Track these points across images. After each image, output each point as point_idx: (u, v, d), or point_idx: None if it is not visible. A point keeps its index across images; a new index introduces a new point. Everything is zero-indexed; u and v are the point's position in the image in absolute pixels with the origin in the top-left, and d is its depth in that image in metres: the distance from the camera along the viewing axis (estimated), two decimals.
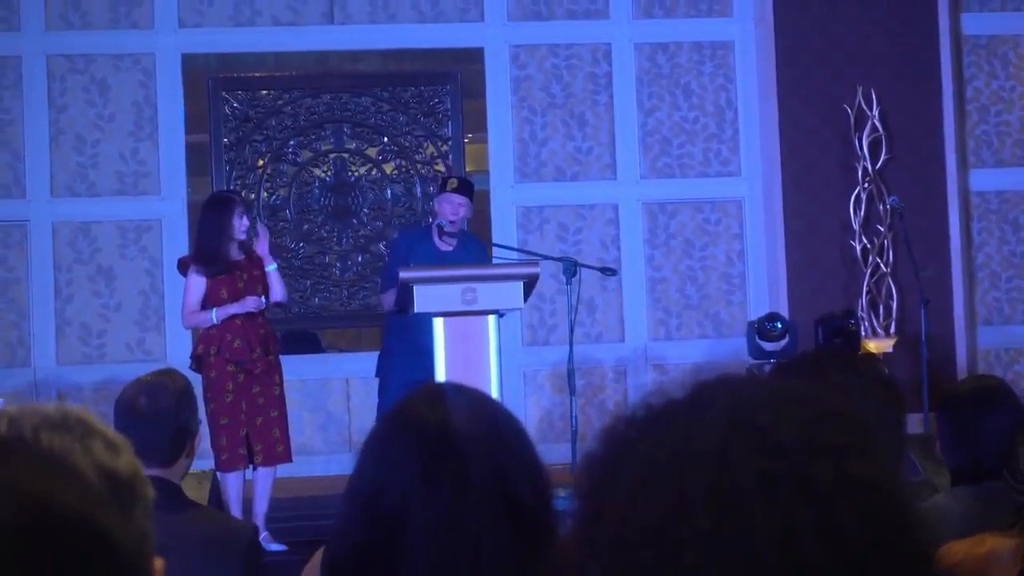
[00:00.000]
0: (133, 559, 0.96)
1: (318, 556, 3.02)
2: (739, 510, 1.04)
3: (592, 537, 1.11)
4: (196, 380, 8.52)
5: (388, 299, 8.74)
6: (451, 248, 8.76)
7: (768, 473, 1.05)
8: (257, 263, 8.43)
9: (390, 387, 8.66)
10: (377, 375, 8.93)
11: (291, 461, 8.47)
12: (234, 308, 8.29)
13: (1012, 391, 4.22)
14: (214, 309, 8.28)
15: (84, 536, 0.93)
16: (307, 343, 11.55)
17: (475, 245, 9.08)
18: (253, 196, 10.95)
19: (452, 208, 8.76)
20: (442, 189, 9.03)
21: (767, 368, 9.72)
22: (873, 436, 1.13)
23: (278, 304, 8.60)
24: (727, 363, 10.82)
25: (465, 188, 8.98)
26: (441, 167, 11.10)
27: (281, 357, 8.56)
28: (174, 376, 4.30)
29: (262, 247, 8.42)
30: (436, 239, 8.79)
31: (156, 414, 4.12)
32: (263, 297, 8.35)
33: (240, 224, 8.34)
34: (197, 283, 8.34)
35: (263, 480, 8.30)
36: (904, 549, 1.07)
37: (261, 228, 8.54)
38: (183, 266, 8.51)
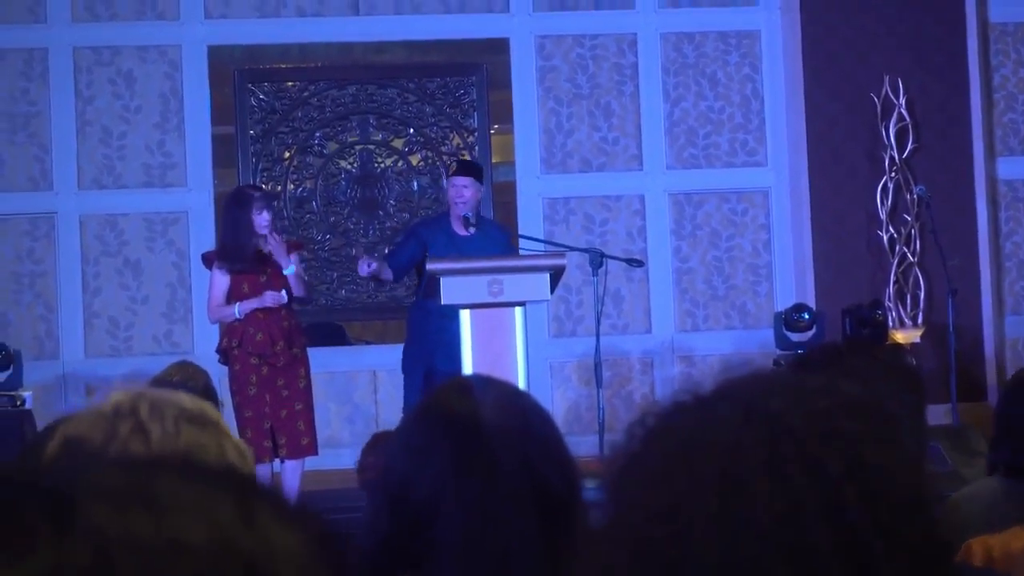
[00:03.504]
0: None
1: None
2: (746, 491, 1.10)
3: (613, 523, 1.16)
4: (224, 371, 8.56)
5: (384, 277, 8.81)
6: (470, 233, 8.74)
7: (776, 457, 1.11)
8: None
9: (414, 379, 8.68)
10: (403, 371, 8.91)
11: (316, 454, 8.51)
12: (253, 303, 8.33)
13: None
14: (236, 304, 8.33)
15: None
16: (333, 335, 11.56)
17: (498, 233, 9.06)
18: (279, 188, 10.97)
19: (455, 191, 8.73)
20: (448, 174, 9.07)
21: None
22: (891, 426, 1.18)
23: (301, 301, 8.60)
24: (755, 355, 10.82)
25: (466, 169, 8.95)
26: (467, 158, 11.10)
27: (308, 350, 8.59)
28: (193, 373, 4.28)
29: (277, 254, 8.39)
30: (454, 224, 8.78)
31: None
32: (283, 291, 8.37)
33: (260, 220, 8.37)
34: (221, 279, 8.41)
35: (291, 473, 8.34)
36: (912, 536, 1.11)
37: (273, 238, 8.46)
38: (207, 261, 8.57)
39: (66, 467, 0.91)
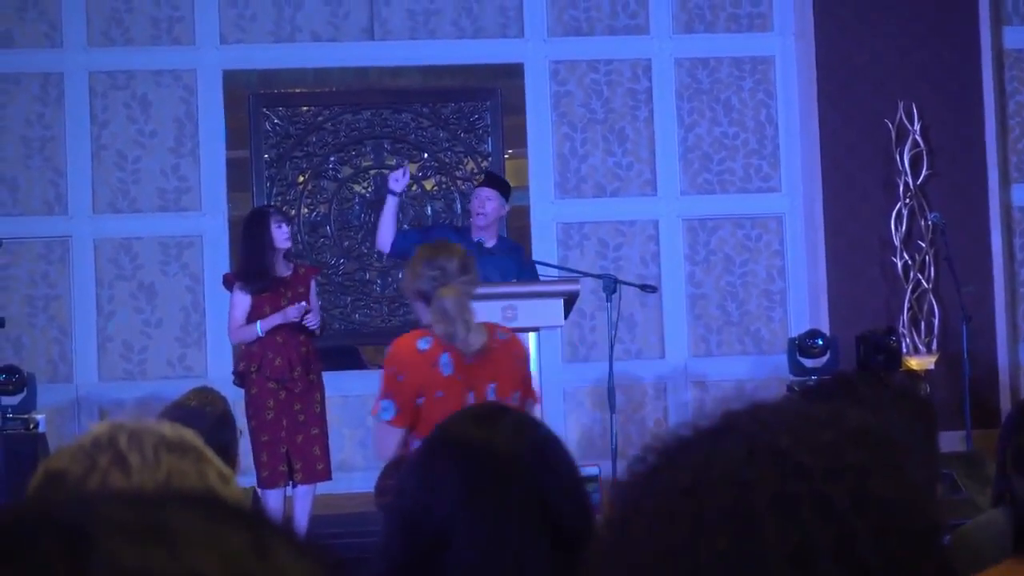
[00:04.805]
0: None
1: None
2: (754, 530, 1.08)
3: (621, 561, 1.14)
4: (239, 394, 8.56)
5: (381, 235, 8.76)
6: (492, 246, 8.76)
7: (784, 494, 1.09)
8: (302, 280, 8.51)
9: None
10: None
11: (331, 479, 8.53)
12: (276, 318, 8.36)
13: None
14: (258, 322, 8.35)
15: None
16: (347, 359, 11.56)
17: (513, 249, 9.05)
18: (294, 212, 10.98)
19: (478, 202, 8.74)
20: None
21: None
22: (900, 455, 1.16)
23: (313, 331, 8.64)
24: (765, 381, 10.81)
25: (491, 181, 8.98)
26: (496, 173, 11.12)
27: (323, 373, 8.62)
28: (212, 398, 4.27)
29: (313, 316, 8.49)
30: (475, 235, 8.77)
31: None
32: (303, 302, 8.41)
33: (279, 233, 8.43)
34: (241, 300, 8.43)
35: (303, 498, 8.34)
36: (925, 568, 1.10)
37: (311, 310, 8.55)
38: (228, 282, 8.59)
39: (78, 502, 0.91)
